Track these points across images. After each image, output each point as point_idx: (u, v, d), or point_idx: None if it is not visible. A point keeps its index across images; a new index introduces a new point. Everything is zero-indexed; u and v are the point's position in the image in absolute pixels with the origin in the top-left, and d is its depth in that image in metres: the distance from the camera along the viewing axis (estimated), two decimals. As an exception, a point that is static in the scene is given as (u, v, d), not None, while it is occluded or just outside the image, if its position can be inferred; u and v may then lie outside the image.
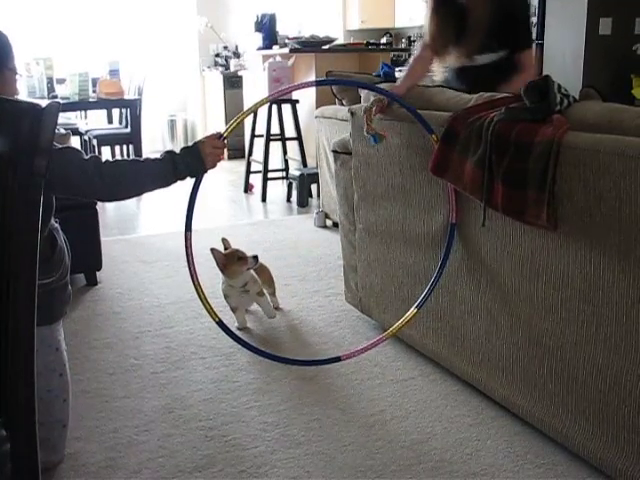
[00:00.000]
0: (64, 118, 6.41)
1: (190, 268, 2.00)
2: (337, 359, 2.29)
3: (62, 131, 3.43)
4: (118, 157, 6.91)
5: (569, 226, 1.74)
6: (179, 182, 1.86)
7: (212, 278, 2.86)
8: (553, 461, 1.92)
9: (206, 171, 1.88)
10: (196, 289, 2.03)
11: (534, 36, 4.55)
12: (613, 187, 1.60)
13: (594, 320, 1.73)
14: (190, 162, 1.83)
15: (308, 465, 1.94)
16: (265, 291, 3.02)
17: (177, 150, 1.85)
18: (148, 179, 1.83)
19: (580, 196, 1.68)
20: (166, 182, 1.84)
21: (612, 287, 1.66)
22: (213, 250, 2.72)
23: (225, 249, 2.89)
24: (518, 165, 1.78)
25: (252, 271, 2.90)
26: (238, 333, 2.28)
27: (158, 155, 1.84)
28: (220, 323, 2.09)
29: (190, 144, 1.87)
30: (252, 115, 5.80)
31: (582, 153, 1.66)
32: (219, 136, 1.90)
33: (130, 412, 2.24)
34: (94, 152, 6.12)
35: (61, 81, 6.16)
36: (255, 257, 2.84)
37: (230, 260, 2.81)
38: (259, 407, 2.26)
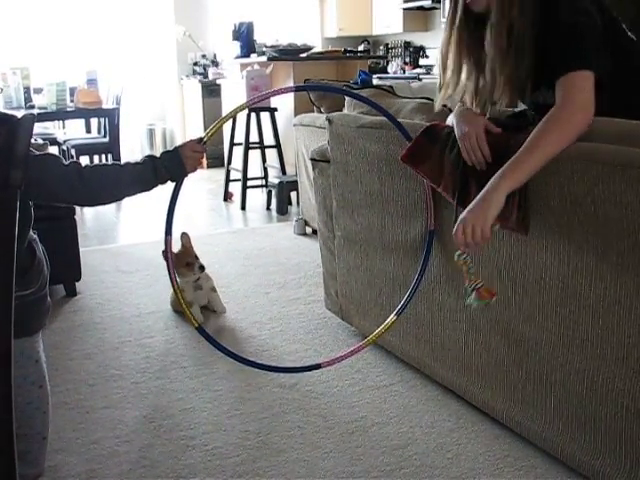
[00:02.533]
0: (42, 128, 6.37)
1: (170, 272, 1.98)
2: (317, 366, 2.29)
3: (40, 141, 3.42)
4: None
5: (546, 231, 1.76)
6: (159, 188, 1.85)
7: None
8: (532, 464, 1.94)
9: (186, 175, 1.88)
10: (176, 294, 2.04)
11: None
12: (588, 192, 1.62)
13: (571, 324, 1.75)
14: (170, 166, 1.83)
15: (290, 472, 1.94)
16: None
17: (157, 154, 1.85)
18: (129, 183, 1.82)
19: (556, 201, 1.71)
20: (147, 186, 1.83)
21: (589, 291, 1.68)
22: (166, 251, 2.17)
23: (183, 246, 3.08)
24: (493, 167, 1.79)
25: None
26: (218, 340, 2.27)
27: (139, 159, 1.84)
28: (200, 329, 2.08)
29: (170, 148, 1.87)
30: (231, 123, 5.81)
31: (555, 160, 1.68)
32: (199, 140, 1.90)
33: (111, 423, 2.23)
34: (73, 161, 6.09)
35: (38, 91, 6.14)
36: (201, 267, 3.07)
37: (179, 262, 2.95)
38: (240, 415, 2.25)
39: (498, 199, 1.68)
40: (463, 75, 1.95)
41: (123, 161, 1.86)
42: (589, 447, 1.76)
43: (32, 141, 2.72)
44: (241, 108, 2.14)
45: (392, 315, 2.32)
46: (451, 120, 2.01)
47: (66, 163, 1.74)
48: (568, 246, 1.71)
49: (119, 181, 1.81)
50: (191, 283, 3.05)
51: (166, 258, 1.98)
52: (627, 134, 1.62)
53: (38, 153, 1.74)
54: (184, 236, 3.09)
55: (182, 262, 3.00)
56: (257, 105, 5.41)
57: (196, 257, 3.09)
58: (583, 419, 1.76)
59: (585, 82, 1.69)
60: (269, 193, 5.54)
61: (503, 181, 1.69)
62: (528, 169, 1.68)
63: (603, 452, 1.72)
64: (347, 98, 2.77)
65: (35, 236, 1.87)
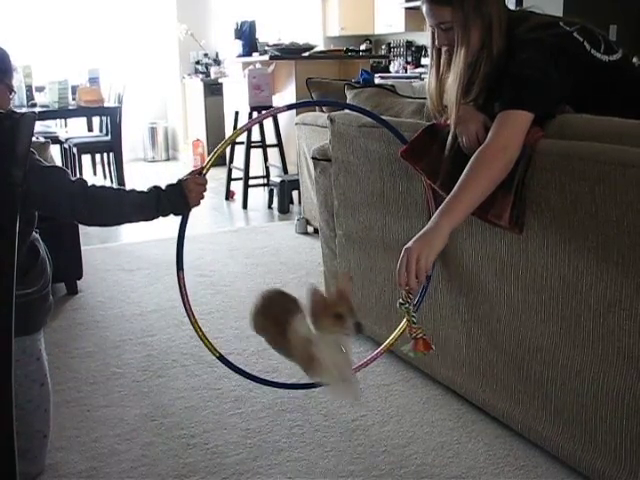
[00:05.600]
0: (43, 126, 6.38)
1: (186, 306, 1.94)
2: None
3: (41, 139, 3.42)
4: (99, 165, 6.89)
5: (546, 230, 1.76)
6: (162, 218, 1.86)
7: (197, 292, 2.85)
8: (533, 463, 1.94)
9: (190, 209, 1.88)
10: (194, 327, 1.96)
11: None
12: (589, 192, 1.62)
13: (572, 323, 1.75)
14: (174, 199, 1.83)
15: (290, 471, 1.95)
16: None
17: (163, 186, 1.84)
18: (130, 209, 1.82)
19: (557, 201, 1.71)
20: (148, 216, 1.83)
21: (589, 290, 1.68)
22: (313, 290, 1.78)
23: (338, 289, 1.82)
24: None
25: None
26: (233, 359, 2.17)
27: (144, 189, 1.84)
28: (221, 358, 2.04)
29: (174, 182, 1.85)
30: (233, 123, 5.82)
31: (557, 159, 1.69)
32: (200, 172, 1.90)
33: (111, 421, 2.24)
34: (74, 160, 6.10)
35: (40, 89, 6.14)
36: (359, 325, 1.75)
37: (324, 310, 1.78)
38: (241, 414, 2.26)
39: (442, 234, 1.75)
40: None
41: (129, 188, 1.86)
42: (590, 446, 1.76)
43: (34, 139, 2.72)
44: (239, 133, 2.21)
45: (404, 320, 2.28)
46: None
47: (73, 179, 1.75)
48: (569, 245, 1.71)
49: (120, 206, 1.81)
50: (334, 341, 1.84)
51: (182, 294, 1.92)
52: (627, 134, 1.62)
53: (46, 164, 1.74)
54: (343, 276, 2.30)
55: (329, 311, 1.79)
56: (259, 104, 5.41)
57: (352, 309, 1.77)
58: (584, 418, 1.76)
59: (516, 120, 1.76)
60: (271, 192, 5.54)
61: (444, 219, 1.76)
62: (464, 208, 1.78)
63: (604, 451, 1.72)
64: (348, 97, 2.77)
65: (37, 235, 1.88)
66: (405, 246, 1.78)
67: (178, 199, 1.82)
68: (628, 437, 1.66)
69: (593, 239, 1.64)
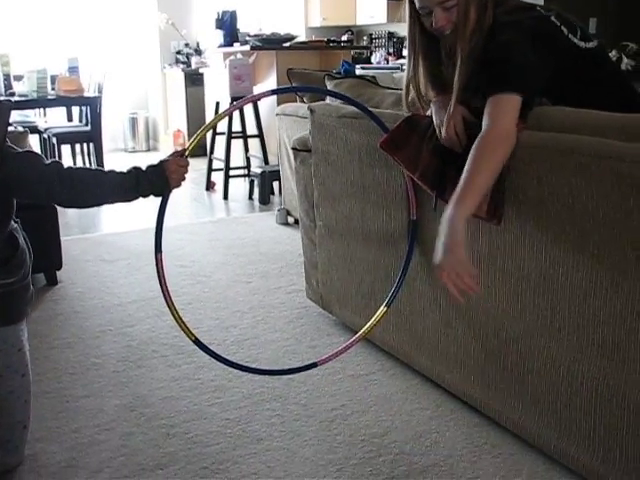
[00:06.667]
0: (22, 116, 6.33)
1: (163, 288, 1.92)
2: (313, 365, 2.26)
3: (20, 129, 3.40)
4: (78, 155, 6.85)
5: (524, 221, 1.78)
6: (142, 199, 1.85)
7: (177, 283, 2.85)
8: (510, 450, 1.96)
9: (171, 190, 1.87)
10: (170, 309, 1.95)
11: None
12: (565, 184, 1.64)
13: (548, 313, 1.77)
14: (154, 180, 1.81)
15: (269, 460, 1.96)
16: None
17: (143, 167, 1.83)
18: (109, 190, 1.81)
19: (534, 192, 1.72)
20: (128, 196, 1.82)
21: (566, 281, 1.70)
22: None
23: None
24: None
25: None
26: (213, 348, 2.21)
27: (124, 169, 1.83)
28: (197, 342, 2.04)
29: (155, 162, 1.84)
30: (214, 113, 5.80)
31: (534, 151, 1.70)
32: (182, 153, 1.89)
33: (91, 411, 2.24)
34: (54, 150, 6.05)
35: (18, 78, 6.08)
36: None
37: None
38: (220, 404, 2.26)
39: (459, 231, 1.71)
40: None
41: (108, 168, 1.85)
42: (564, 434, 1.78)
43: (12, 129, 2.71)
44: (221, 117, 2.17)
45: (382, 307, 2.31)
46: (431, 110, 2.03)
47: (47, 162, 1.74)
48: (546, 237, 1.73)
49: (99, 187, 1.80)
50: None
51: (159, 276, 1.92)
52: (603, 126, 1.64)
53: (19, 150, 1.73)
54: None
55: None
56: (240, 95, 5.39)
57: None
58: (559, 407, 1.79)
59: (509, 104, 1.75)
60: (251, 183, 5.54)
61: (456, 213, 1.72)
62: (473, 196, 1.74)
63: (578, 439, 1.75)
64: (329, 88, 2.77)
65: (17, 225, 1.87)
66: (437, 264, 1.74)
67: (159, 180, 1.82)
68: (601, 425, 1.68)
69: (570, 230, 1.66)
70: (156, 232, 1.94)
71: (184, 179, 1.88)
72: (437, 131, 1.94)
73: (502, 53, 1.79)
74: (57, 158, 6.14)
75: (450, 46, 1.90)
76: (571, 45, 1.87)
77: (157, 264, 1.92)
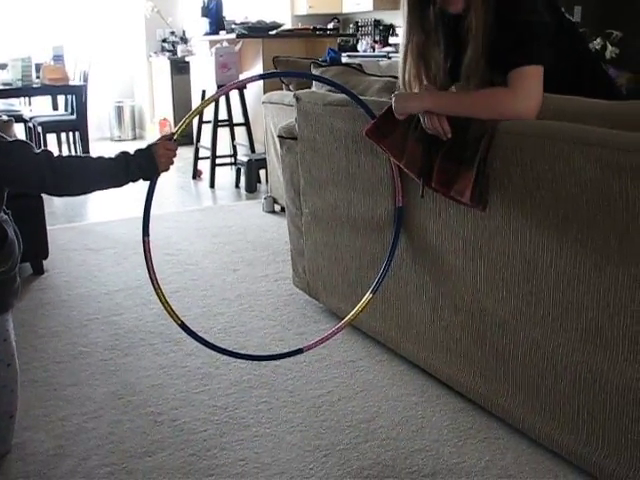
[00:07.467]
0: (7, 104, 6.29)
1: (150, 272, 1.94)
2: (299, 351, 2.26)
3: (4, 118, 3.38)
4: (64, 144, 6.81)
5: (509, 207, 1.79)
6: (132, 183, 1.85)
7: (164, 271, 2.85)
8: (495, 435, 1.98)
9: (159, 174, 1.88)
10: (156, 292, 1.96)
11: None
12: (549, 170, 1.65)
13: (532, 298, 1.78)
14: (143, 164, 1.82)
15: (257, 447, 1.97)
16: None
17: (132, 151, 1.84)
18: (98, 177, 1.81)
19: (519, 179, 1.74)
20: (117, 182, 1.83)
21: (550, 267, 1.72)
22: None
23: None
24: (455, 143, 1.84)
25: None
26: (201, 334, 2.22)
27: (112, 155, 1.83)
28: (183, 325, 2.05)
29: (144, 146, 1.84)
30: (200, 101, 5.77)
31: (518, 137, 1.71)
32: (170, 137, 1.89)
33: (79, 400, 2.24)
34: (39, 139, 6.02)
35: (3, 66, 6.03)
36: None
37: None
38: (208, 391, 2.27)
39: (415, 105, 1.92)
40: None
41: (96, 154, 1.85)
42: (549, 419, 1.80)
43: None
44: (209, 101, 2.16)
45: (368, 294, 2.32)
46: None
47: (37, 151, 1.73)
48: (530, 222, 1.74)
49: (89, 174, 1.80)
50: None
51: (146, 259, 1.93)
52: (586, 113, 1.65)
53: (8, 139, 1.73)
54: None
55: None
56: (226, 83, 5.38)
57: None
58: (543, 391, 1.81)
59: (536, 74, 1.77)
60: (238, 171, 5.53)
61: (428, 99, 1.88)
62: (449, 105, 1.86)
63: (562, 423, 1.77)
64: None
65: (6, 217, 1.87)
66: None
67: (147, 164, 1.82)
68: (585, 409, 1.70)
69: (553, 216, 1.67)
70: (144, 216, 1.95)
71: (172, 163, 1.89)
72: (421, 120, 1.94)
73: (525, 22, 1.79)
74: (43, 147, 6.11)
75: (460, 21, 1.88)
76: (563, 15, 1.94)
77: (144, 246, 1.93)
